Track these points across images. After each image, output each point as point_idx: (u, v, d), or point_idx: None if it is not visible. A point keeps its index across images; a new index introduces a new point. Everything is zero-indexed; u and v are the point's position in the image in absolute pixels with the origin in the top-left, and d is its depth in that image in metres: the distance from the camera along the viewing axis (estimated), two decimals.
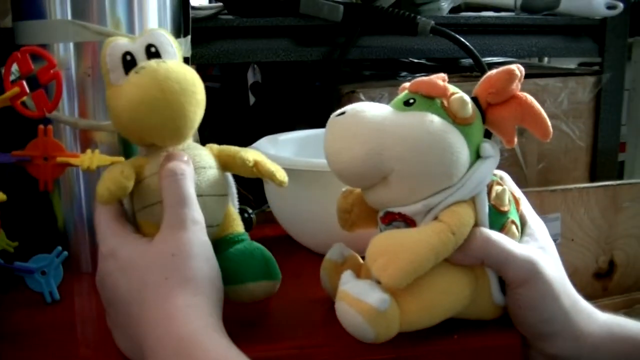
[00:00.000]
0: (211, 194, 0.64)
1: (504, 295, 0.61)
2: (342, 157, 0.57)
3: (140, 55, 0.62)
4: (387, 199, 0.58)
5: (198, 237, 0.58)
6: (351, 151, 0.56)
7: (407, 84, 0.61)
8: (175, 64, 0.60)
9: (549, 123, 0.59)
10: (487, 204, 0.59)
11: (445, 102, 0.58)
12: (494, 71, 0.59)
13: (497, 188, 0.60)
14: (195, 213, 0.59)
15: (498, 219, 0.60)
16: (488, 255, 0.58)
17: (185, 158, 0.61)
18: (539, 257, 0.60)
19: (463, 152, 0.57)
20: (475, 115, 0.59)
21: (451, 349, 0.61)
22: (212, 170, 0.65)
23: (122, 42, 0.62)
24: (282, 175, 0.67)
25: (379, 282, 0.57)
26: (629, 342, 0.61)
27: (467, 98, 0.58)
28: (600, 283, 1.25)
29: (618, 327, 0.62)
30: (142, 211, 0.62)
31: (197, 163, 0.63)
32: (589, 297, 0.64)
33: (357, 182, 0.60)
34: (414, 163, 0.55)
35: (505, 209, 0.61)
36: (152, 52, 0.63)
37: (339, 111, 0.59)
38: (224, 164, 0.66)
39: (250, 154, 0.66)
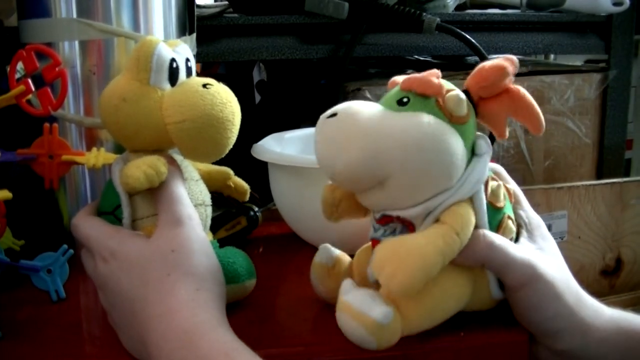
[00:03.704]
0: (208, 204, 0.67)
1: (502, 290, 0.61)
2: (337, 162, 0.55)
3: (181, 65, 0.62)
4: (384, 202, 0.57)
5: (196, 232, 0.59)
6: (346, 156, 0.54)
7: (397, 79, 0.60)
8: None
9: (542, 116, 0.58)
10: (484, 201, 0.58)
11: (441, 101, 0.56)
12: (486, 64, 0.58)
13: (492, 184, 0.60)
14: (190, 209, 0.60)
15: (495, 216, 0.60)
16: (489, 260, 0.58)
17: (171, 159, 0.63)
18: (538, 260, 0.60)
19: (461, 152, 0.56)
20: (469, 112, 0.58)
21: (458, 347, 0.61)
22: (201, 181, 0.67)
23: (166, 46, 0.61)
24: None
25: (379, 285, 0.57)
26: (636, 336, 0.61)
27: (463, 95, 0.57)
28: (607, 280, 1.25)
29: (625, 321, 0.62)
30: (149, 219, 0.62)
31: (191, 173, 0.66)
32: (595, 294, 0.63)
33: (352, 186, 0.59)
34: (412, 167, 0.54)
35: (501, 204, 0.61)
36: (189, 67, 0.64)
37: (329, 112, 0.57)
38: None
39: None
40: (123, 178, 0.58)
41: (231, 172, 0.76)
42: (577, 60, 1.71)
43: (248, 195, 0.80)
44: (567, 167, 1.33)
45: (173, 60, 0.61)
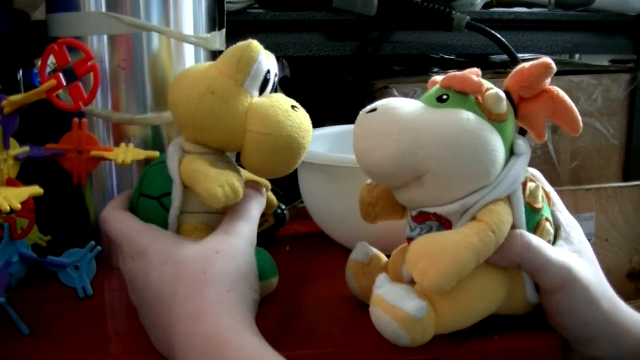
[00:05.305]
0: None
1: (538, 294, 0.60)
2: (375, 156, 0.55)
3: (271, 77, 0.63)
4: (421, 198, 0.57)
5: (247, 248, 0.59)
6: (384, 150, 0.54)
7: (437, 78, 0.60)
8: None
9: (580, 118, 0.58)
10: (522, 202, 0.58)
11: (480, 99, 0.56)
12: (526, 65, 0.58)
13: (530, 185, 0.59)
14: (253, 235, 0.61)
15: (533, 217, 0.59)
16: (526, 260, 0.57)
17: (264, 192, 0.65)
18: (575, 263, 0.59)
19: (500, 150, 0.55)
20: (509, 111, 0.58)
21: (490, 350, 0.60)
22: None
23: (266, 56, 0.62)
24: None
25: (414, 284, 0.56)
26: None
27: (502, 94, 0.57)
28: (633, 284, 1.23)
29: None
30: (196, 215, 0.61)
31: None
32: (622, 298, 0.62)
33: (389, 182, 0.59)
34: (451, 163, 0.54)
35: (540, 206, 0.60)
36: (274, 81, 0.64)
37: (369, 107, 0.57)
38: None
39: None
40: (203, 193, 0.57)
41: (269, 186, 0.77)
42: (603, 60, 1.69)
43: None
44: (594, 168, 1.31)
45: (269, 71, 0.62)
